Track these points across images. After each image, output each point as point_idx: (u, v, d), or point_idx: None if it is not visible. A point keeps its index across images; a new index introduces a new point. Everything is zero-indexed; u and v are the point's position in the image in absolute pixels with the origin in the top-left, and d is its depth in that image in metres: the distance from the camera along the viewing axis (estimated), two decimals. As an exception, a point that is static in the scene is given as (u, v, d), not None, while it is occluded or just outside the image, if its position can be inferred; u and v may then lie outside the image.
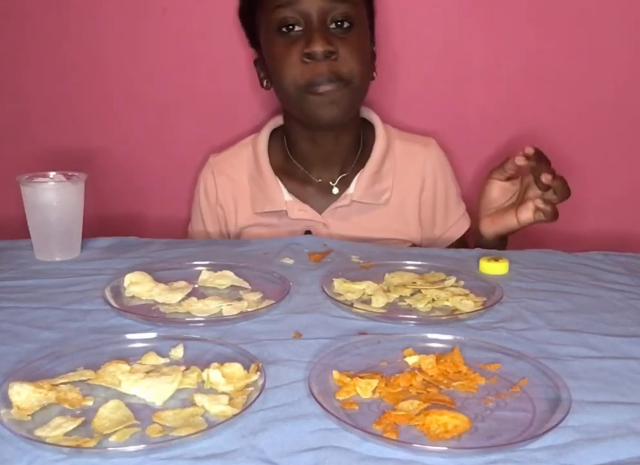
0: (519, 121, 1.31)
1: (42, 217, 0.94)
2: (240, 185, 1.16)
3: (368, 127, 1.17)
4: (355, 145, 1.15)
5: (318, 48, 0.99)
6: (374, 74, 1.13)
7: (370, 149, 1.13)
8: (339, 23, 1.02)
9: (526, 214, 0.99)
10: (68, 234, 0.96)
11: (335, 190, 1.13)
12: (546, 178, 0.94)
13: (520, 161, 0.96)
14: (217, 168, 1.18)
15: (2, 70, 1.35)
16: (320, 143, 1.12)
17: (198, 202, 1.20)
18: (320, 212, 1.12)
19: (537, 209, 0.97)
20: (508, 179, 1.03)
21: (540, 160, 0.97)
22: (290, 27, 1.02)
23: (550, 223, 0.98)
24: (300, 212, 1.11)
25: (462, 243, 1.20)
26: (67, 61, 1.33)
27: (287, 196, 1.12)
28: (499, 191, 1.04)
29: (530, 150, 0.96)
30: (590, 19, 1.26)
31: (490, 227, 1.06)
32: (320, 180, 1.14)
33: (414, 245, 1.17)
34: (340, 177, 1.13)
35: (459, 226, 1.19)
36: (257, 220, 1.14)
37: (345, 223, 1.12)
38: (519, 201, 1.01)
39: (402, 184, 1.14)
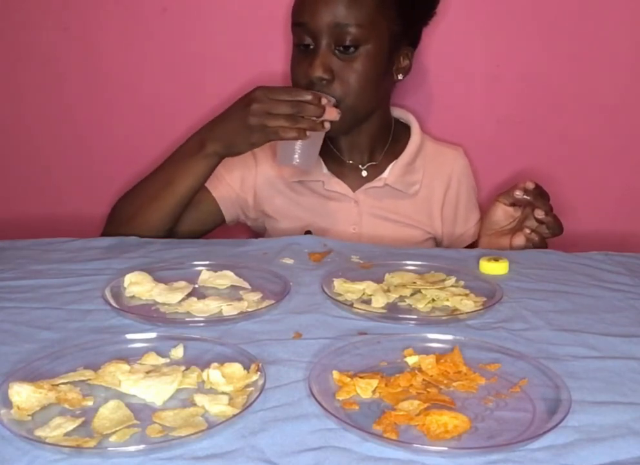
0: (518, 121, 1.32)
1: None
2: None
3: (402, 126, 1.25)
4: (382, 137, 1.22)
5: (313, 74, 1.05)
6: (398, 77, 1.15)
7: (402, 144, 1.22)
8: (346, 46, 1.06)
9: (519, 240, 1.04)
10: (310, 143, 0.99)
11: (364, 173, 1.21)
12: (538, 214, 1.01)
13: (519, 194, 1.02)
14: None
15: (2, 70, 1.35)
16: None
17: None
18: (352, 191, 1.20)
19: (527, 238, 1.04)
20: (513, 204, 1.07)
21: (540, 195, 1.03)
22: (306, 44, 1.09)
23: None
24: (336, 185, 1.19)
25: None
26: (67, 61, 1.33)
27: (325, 170, 1.20)
28: (502, 214, 1.09)
29: (529, 185, 1.02)
30: (589, 21, 1.27)
31: (486, 246, 1.11)
32: (350, 162, 1.21)
33: (435, 240, 1.24)
34: (369, 163, 1.21)
35: (477, 228, 1.23)
36: (291, 191, 1.20)
37: (376, 203, 1.19)
38: (517, 228, 1.07)
39: (431, 181, 1.22)
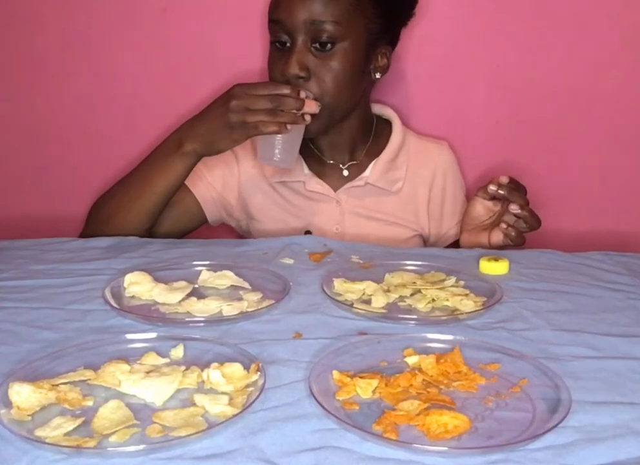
0: (518, 121, 1.32)
1: None
2: None
3: (384, 122, 1.23)
4: (363, 135, 1.21)
5: (289, 71, 1.04)
6: (376, 75, 1.14)
7: (384, 141, 1.20)
8: (322, 43, 1.05)
9: (497, 236, 1.03)
10: (290, 139, 0.99)
11: (345, 173, 1.20)
12: (513, 208, 0.99)
13: (492, 188, 1.01)
14: None
15: (2, 70, 1.35)
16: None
17: None
18: (334, 191, 1.19)
19: (504, 233, 1.02)
20: (493, 198, 1.06)
21: (515, 189, 1.01)
22: (282, 41, 1.08)
23: (517, 247, 1.02)
24: (317, 185, 1.18)
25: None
26: (67, 62, 1.33)
27: (306, 170, 1.19)
28: (482, 209, 1.08)
29: (503, 180, 1.01)
30: (588, 22, 1.27)
31: (466, 242, 1.10)
32: (331, 161, 1.20)
33: (422, 237, 1.22)
34: (350, 162, 1.20)
35: (460, 226, 1.20)
36: (273, 191, 1.19)
37: (358, 202, 1.18)
38: (496, 223, 1.05)
39: (415, 177, 1.20)
